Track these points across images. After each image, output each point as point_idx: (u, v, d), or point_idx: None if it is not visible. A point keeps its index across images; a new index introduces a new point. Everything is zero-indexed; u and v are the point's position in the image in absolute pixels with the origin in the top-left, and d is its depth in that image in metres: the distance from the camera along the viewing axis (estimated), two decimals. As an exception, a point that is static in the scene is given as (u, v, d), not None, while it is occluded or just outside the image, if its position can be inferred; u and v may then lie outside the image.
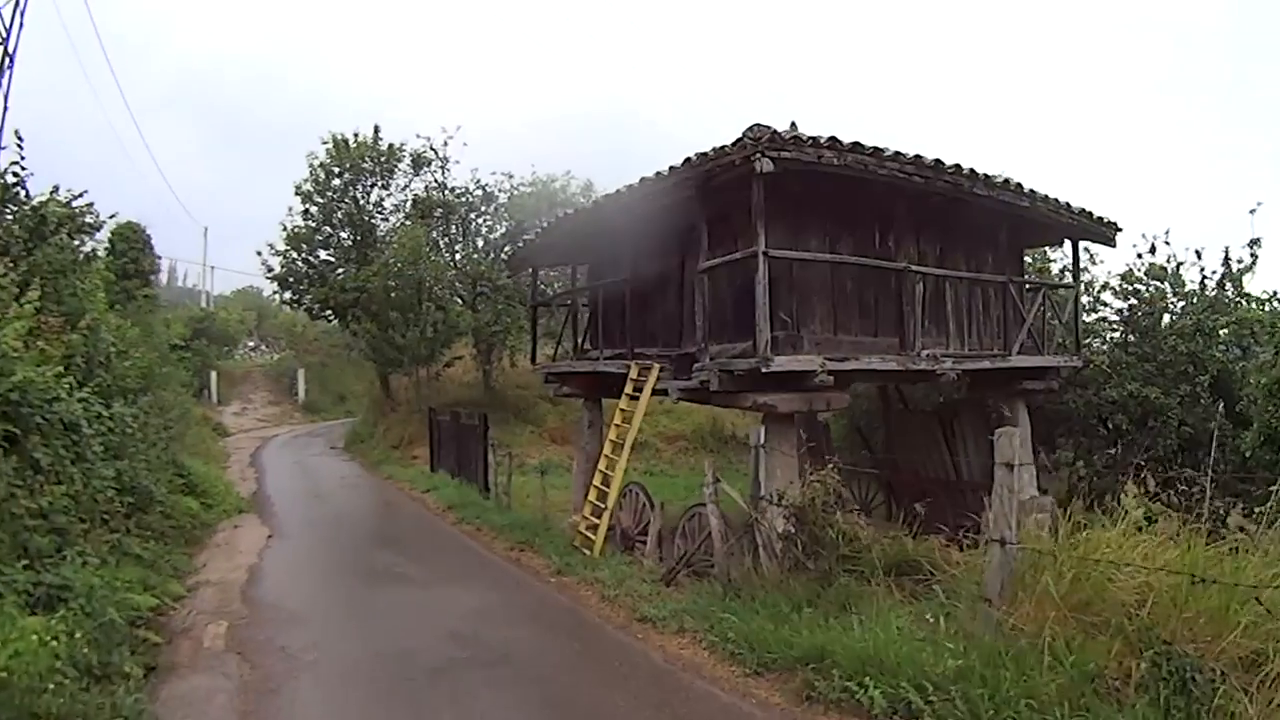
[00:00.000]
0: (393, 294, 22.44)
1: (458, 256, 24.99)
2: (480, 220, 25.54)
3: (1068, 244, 12.81)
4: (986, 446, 12.49)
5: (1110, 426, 12.01)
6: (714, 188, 8.18)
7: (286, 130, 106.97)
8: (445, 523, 12.70)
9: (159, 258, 22.57)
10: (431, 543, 11.36)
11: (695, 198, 8.41)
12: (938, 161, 8.49)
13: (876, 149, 7.92)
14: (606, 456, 10.10)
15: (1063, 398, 11.93)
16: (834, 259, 8.72)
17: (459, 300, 24.38)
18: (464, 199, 24.93)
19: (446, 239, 25.19)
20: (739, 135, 7.31)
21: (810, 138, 7.48)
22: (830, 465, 6.87)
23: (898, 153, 8.12)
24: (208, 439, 23.03)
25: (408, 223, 24.32)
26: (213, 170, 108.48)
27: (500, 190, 24.95)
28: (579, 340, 13.51)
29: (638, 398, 9.94)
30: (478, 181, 24.91)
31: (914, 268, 9.09)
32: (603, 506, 9.65)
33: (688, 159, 8.06)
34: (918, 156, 8.30)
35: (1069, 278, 14.96)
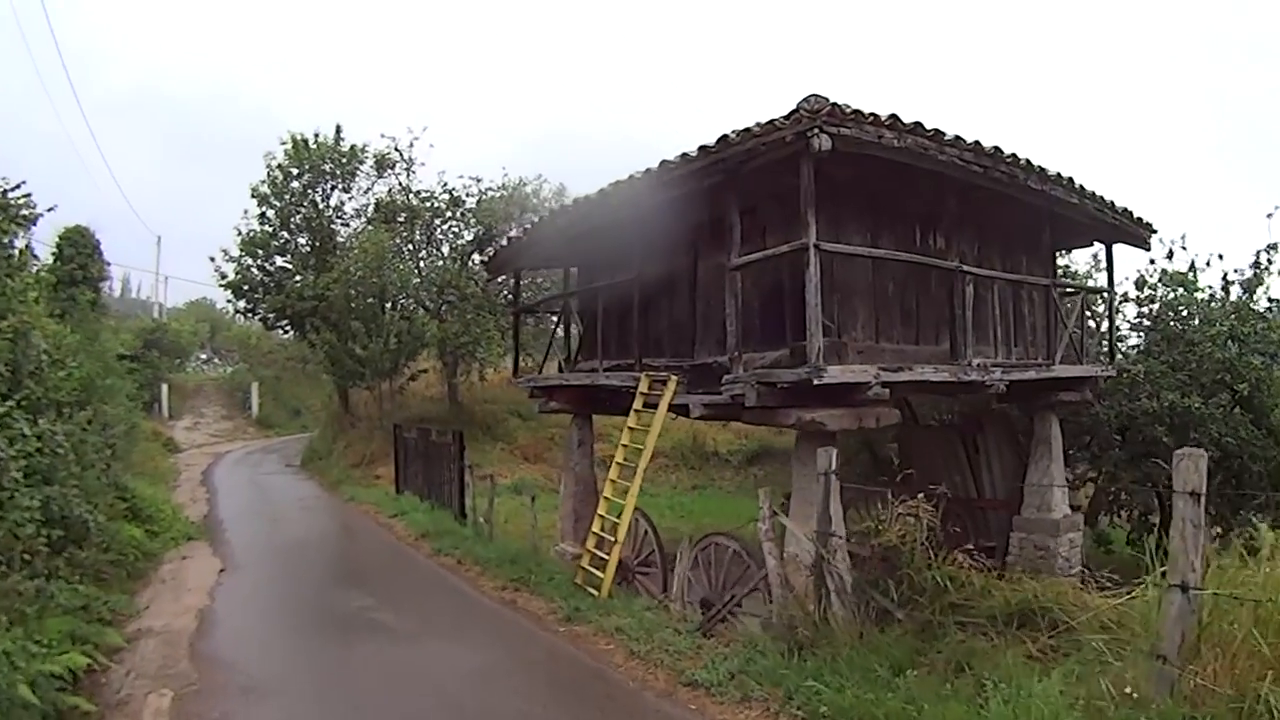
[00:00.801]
0: (353, 302, 21.24)
1: (422, 264, 23.61)
2: (447, 226, 24.16)
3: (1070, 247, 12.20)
4: (1014, 464, 11.74)
5: (1139, 439, 11.19)
6: (746, 174, 7.14)
7: (248, 146, 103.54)
8: (420, 554, 11.39)
9: (109, 264, 20.97)
10: (408, 579, 10.04)
11: (724, 185, 7.36)
12: (996, 149, 7.56)
13: (937, 131, 6.94)
14: (613, 481, 8.89)
15: (1090, 409, 11.11)
16: (889, 255, 7.70)
17: (424, 309, 23.03)
18: (430, 203, 23.56)
19: (411, 245, 23.78)
20: (793, 106, 6.25)
21: (870, 114, 6.46)
22: (925, 496, 5.76)
23: (958, 137, 7.16)
24: (157, 456, 21.64)
25: (370, 227, 22.91)
26: (169, 183, 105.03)
27: (468, 195, 23.56)
28: (572, 350, 12.37)
29: (643, 413, 8.84)
30: (444, 185, 23.55)
31: (966, 268, 8.14)
32: (610, 539, 8.46)
33: (723, 136, 6.93)
34: (976, 143, 7.34)
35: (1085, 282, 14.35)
